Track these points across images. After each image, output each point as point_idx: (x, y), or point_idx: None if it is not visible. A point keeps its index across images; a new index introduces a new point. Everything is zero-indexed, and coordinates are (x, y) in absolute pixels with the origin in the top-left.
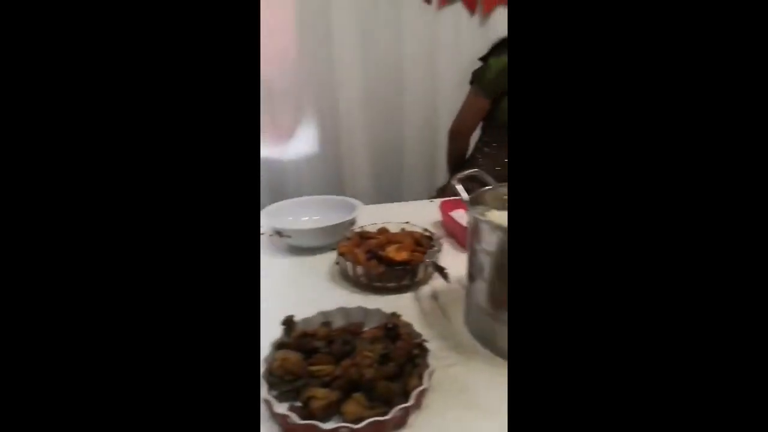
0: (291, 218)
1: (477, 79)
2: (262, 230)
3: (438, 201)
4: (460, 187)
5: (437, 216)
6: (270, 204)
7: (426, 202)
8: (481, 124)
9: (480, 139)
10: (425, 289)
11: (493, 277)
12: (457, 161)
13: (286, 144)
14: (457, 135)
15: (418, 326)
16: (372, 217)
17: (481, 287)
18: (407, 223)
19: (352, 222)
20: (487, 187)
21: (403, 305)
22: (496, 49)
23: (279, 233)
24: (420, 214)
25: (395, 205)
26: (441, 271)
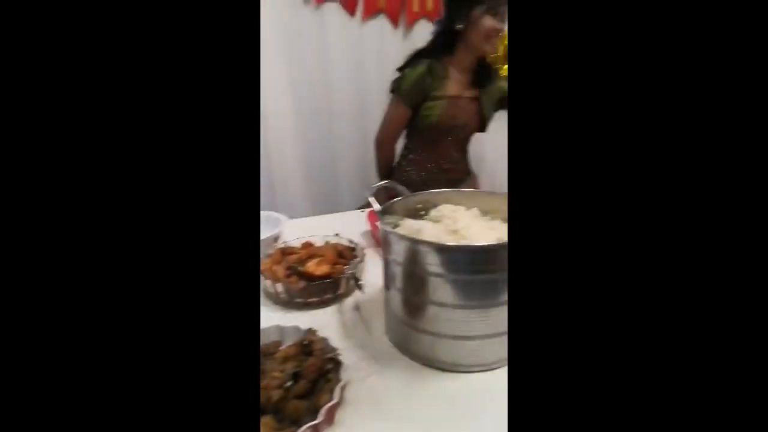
0: None
1: (396, 88)
2: None
3: (367, 211)
4: (372, 199)
5: (366, 226)
6: None
7: (356, 212)
8: (405, 132)
9: (405, 147)
10: (348, 302)
11: (404, 286)
12: (385, 169)
13: None
14: (382, 144)
15: (338, 339)
16: (301, 230)
17: (396, 296)
18: (336, 235)
19: (276, 237)
20: (398, 198)
21: (326, 319)
22: (412, 60)
23: None
24: (350, 225)
25: (325, 217)
26: (357, 282)
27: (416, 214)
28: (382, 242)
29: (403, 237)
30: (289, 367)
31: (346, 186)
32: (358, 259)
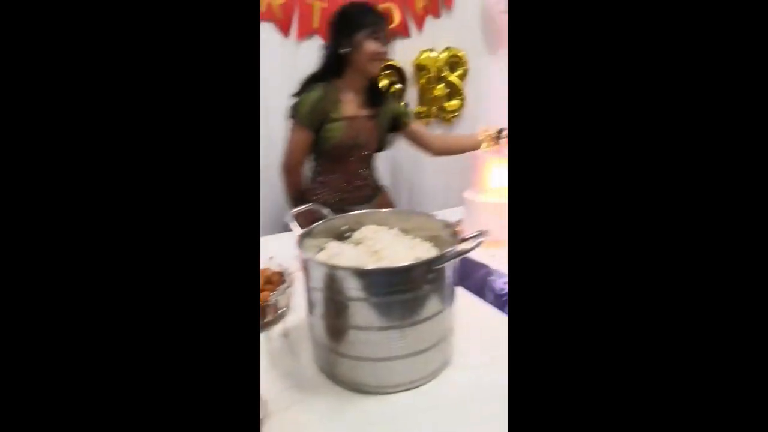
0: None
1: (294, 114)
2: None
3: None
4: (294, 224)
5: None
6: None
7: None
8: (312, 156)
9: (314, 170)
10: (277, 329)
11: (325, 311)
12: (294, 194)
13: None
14: (288, 169)
15: (264, 370)
16: None
17: (318, 322)
18: (271, 258)
19: None
20: (320, 222)
21: None
22: (306, 84)
23: None
24: (287, 247)
25: (264, 238)
26: (275, 310)
27: (341, 235)
28: (302, 269)
29: (320, 263)
30: None
31: (276, 208)
32: (285, 284)
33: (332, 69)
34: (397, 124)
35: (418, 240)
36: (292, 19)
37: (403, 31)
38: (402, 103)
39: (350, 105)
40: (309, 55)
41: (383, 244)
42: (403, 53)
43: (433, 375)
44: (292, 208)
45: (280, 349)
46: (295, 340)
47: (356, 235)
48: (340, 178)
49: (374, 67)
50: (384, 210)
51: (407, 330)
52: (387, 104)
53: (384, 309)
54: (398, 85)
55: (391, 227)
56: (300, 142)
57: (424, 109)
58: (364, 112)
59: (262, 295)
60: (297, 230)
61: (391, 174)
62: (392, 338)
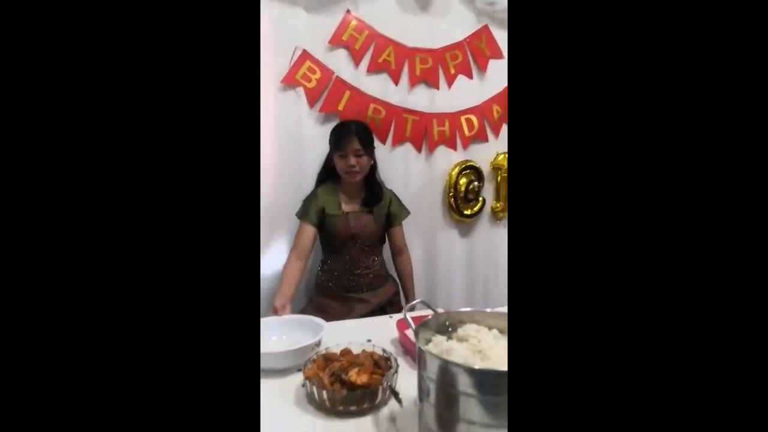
0: (262, 339)
1: (299, 211)
2: None
3: (396, 318)
4: (408, 317)
5: (395, 333)
6: None
7: (385, 318)
8: (320, 246)
9: (321, 260)
10: (384, 411)
11: (438, 402)
12: (285, 282)
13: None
14: (288, 259)
15: None
16: (337, 333)
17: (429, 410)
18: (369, 341)
19: (318, 343)
20: (430, 315)
21: (363, 428)
22: (315, 187)
23: None
24: (381, 331)
25: (356, 321)
26: (395, 395)
27: (445, 329)
28: (417, 358)
29: (436, 357)
30: None
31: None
32: (392, 369)
33: (329, 175)
34: (390, 221)
35: None
36: (390, 130)
37: (481, 137)
38: (397, 205)
39: (346, 202)
40: (400, 156)
41: (486, 344)
42: (482, 155)
43: None
44: (282, 291)
45: None
46: (401, 426)
47: (460, 332)
48: (342, 266)
49: (349, 178)
50: (483, 310)
51: None
52: (384, 201)
53: (491, 407)
54: (476, 183)
55: (489, 327)
56: (303, 236)
57: (499, 204)
58: (360, 209)
59: (373, 378)
60: (410, 323)
61: (467, 265)
62: None
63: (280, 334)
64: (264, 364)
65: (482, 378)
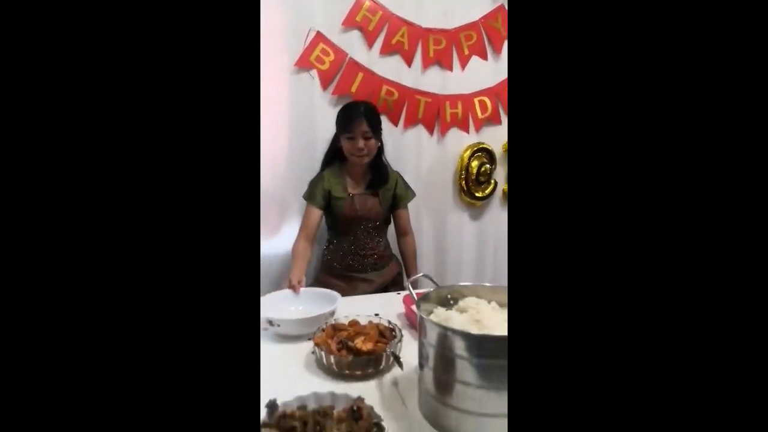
0: (280, 308)
1: (305, 193)
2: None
3: (402, 294)
4: (410, 289)
5: (401, 308)
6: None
7: (393, 294)
8: (326, 227)
9: (327, 239)
10: (387, 377)
11: (436, 366)
12: (293, 259)
13: (270, 240)
14: (296, 240)
15: (378, 409)
16: (348, 307)
17: (428, 374)
18: (377, 315)
19: (332, 312)
20: (432, 288)
21: (367, 391)
22: (321, 169)
23: (270, 323)
24: (388, 307)
25: (366, 297)
26: (397, 360)
27: (447, 302)
28: (418, 326)
29: (436, 324)
30: (343, 427)
31: None
32: (397, 338)
33: (332, 158)
34: (396, 203)
35: None
36: (402, 112)
37: (494, 119)
38: (403, 187)
39: (352, 185)
40: (412, 138)
41: (484, 315)
42: (495, 137)
43: None
44: (297, 267)
45: (391, 395)
46: (403, 389)
47: (460, 303)
48: (348, 247)
49: (356, 160)
50: (485, 285)
51: (503, 392)
52: (390, 184)
53: (485, 370)
54: (488, 165)
55: (489, 300)
56: (310, 218)
57: None
58: (366, 191)
59: (377, 346)
60: (413, 294)
61: (477, 248)
62: (491, 397)
63: (297, 305)
64: (283, 330)
65: (477, 342)
